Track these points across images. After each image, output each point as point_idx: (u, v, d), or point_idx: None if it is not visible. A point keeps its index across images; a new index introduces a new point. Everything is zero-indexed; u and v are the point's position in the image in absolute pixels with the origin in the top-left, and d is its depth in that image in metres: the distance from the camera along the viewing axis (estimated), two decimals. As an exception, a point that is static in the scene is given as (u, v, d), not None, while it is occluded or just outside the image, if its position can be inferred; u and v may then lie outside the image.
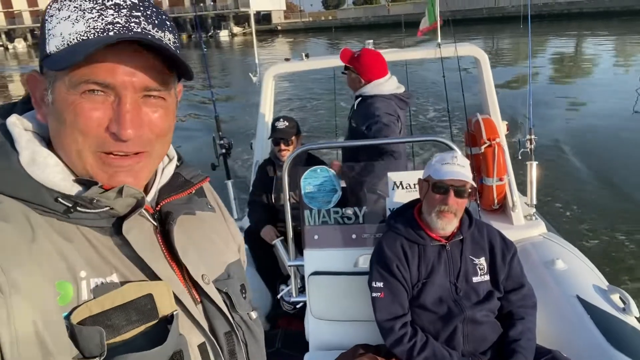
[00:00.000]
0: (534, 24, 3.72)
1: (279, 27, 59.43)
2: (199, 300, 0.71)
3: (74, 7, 0.60)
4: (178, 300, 0.67)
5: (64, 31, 0.59)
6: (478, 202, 3.05)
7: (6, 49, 58.09)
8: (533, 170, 3.11)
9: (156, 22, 0.63)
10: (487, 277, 1.82)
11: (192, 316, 0.69)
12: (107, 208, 0.63)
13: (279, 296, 2.55)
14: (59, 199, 0.61)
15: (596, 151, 6.99)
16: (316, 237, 2.22)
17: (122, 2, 0.61)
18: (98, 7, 0.60)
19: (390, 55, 3.57)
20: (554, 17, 35.99)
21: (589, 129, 8.12)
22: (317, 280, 2.19)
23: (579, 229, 4.75)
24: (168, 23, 0.66)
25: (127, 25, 0.60)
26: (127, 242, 0.64)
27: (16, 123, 0.64)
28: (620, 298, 2.22)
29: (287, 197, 2.24)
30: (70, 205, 0.61)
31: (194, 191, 0.77)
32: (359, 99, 2.68)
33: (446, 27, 3.75)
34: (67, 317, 0.57)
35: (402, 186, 2.16)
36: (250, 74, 3.93)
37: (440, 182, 1.71)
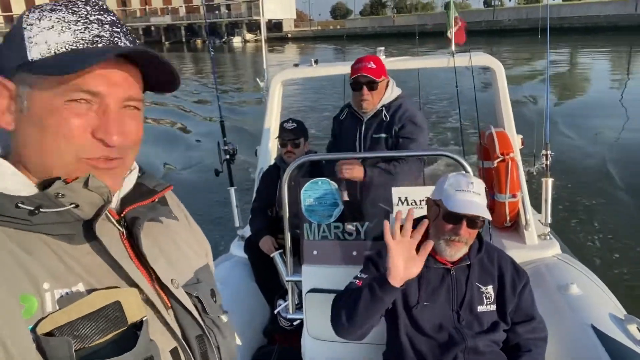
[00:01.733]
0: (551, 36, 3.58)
1: (289, 35, 62.82)
2: (169, 305, 0.72)
3: (57, 18, 0.62)
4: (148, 305, 0.67)
5: (49, 39, 0.61)
6: (490, 218, 2.91)
7: None
8: (549, 187, 2.96)
9: (130, 39, 0.67)
10: (493, 307, 1.69)
11: (163, 321, 0.69)
12: (72, 205, 0.62)
13: (275, 311, 2.45)
14: (19, 204, 0.60)
15: (615, 169, 6.75)
16: (315, 252, 2.12)
17: (103, 18, 0.65)
18: (82, 20, 0.63)
19: (402, 63, 3.48)
20: (568, 31, 35.89)
21: (607, 144, 7.87)
22: (315, 297, 2.08)
23: (595, 251, 4.54)
24: (137, 41, 0.70)
25: (111, 39, 0.64)
26: (92, 250, 0.65)
27: None
28: (638, 329, 2.07)
29: (286, 209, 2.15)
30: (32, 207, 0.60)
31: (157, 199, 0.78)
32: (382, 108, 2.57)
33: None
34: (33, 330, 0.56)
35: (408, 202, 2.05)
36: (257, 79, 3.87)
37: (454, 213, 1.59)
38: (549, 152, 3.08)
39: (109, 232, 0.67)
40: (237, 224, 3.38)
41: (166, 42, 61.85)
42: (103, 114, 0.63)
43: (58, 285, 0.60)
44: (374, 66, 2.47)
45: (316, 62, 3.60)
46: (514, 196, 3.01)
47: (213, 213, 5.70)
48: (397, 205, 2.05)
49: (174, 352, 0.70)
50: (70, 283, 0.61)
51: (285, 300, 2.33)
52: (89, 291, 0.62)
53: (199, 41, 60.12)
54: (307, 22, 75.28)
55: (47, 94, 0.61)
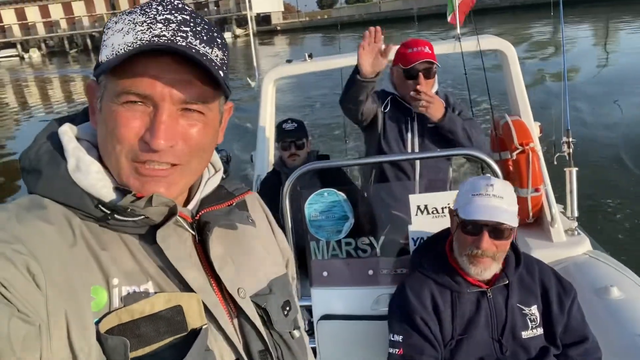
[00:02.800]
0: (567, 10, 3.30)
1: (279, 28, 63.72)
2: (235, 314, 0.70)
3: (128, 20, 0.63)
4: (211, 314, 0.66)
5: (115, 42, 0.62)
6: (514, 225, 2.65)
7: (22, 58, 60.10)
8: (573, 178, 2.71)
9: (204, 38, 0.64)
10: (540, 331, 1.44)
11: (224, 332, 0.67)
12: (143, 217, 0.64)
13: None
14: (99, 206, 0.62)
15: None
16: (325, 273, 1.86)
17: (172, 17, 0.63)
18: (149, 21, 0.62)
19: None
20: (588, 3, 34.66)
21: (631, 124, 7.40)
22: (327, 325, 1.84)
23: (629, 246, 4.18)
24: (218, 40, 0.66)
25: (172, 38, 0.61)
26: (161, 252, 0.65)
27: (67, 131, 0.67)
28: None
29: (289, 223, 1.88)
30: (108, 212, 0.62)
31: (234, 203, 0.76)
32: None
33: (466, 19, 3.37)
34: (97, 324, 0.58)
35: (428, 211, 1.79)
36: (248, 78, 3.61)
37: (471, 222, 1.34)
38: (570, 139, 2.83)
39: (178, 237, 0.67)
40: None
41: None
42: (154, 116, 0.62)
43: (127, 282, 0.62)
44: (429, 51, 2.20)
45: (310, 56, 3.33)
46: (536, 190, 2.75)
47: None
48: (416, 214, 1.79)
49: None
50: (140, 281, 0.63)
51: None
52: (154, 292, 0.63)
53: None
54: (295, 14, 76.57)
55: (110, 96, 0.63)
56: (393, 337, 1.46)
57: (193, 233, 0.69)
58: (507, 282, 1.43)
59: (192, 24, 0.64)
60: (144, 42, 0.60)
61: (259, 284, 0.75)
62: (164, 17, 0.62)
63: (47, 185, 0.63)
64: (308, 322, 1.98)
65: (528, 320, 1.43)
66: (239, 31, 62.60)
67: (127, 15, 0.64)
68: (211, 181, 0.76)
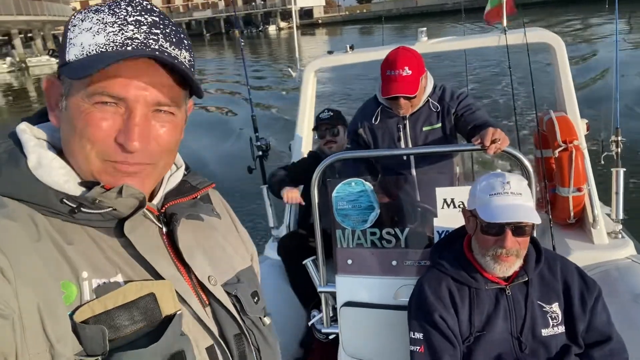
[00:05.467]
0: (622, 5, 3.13)
1: (320, 21, 66.55)
2: (207, 302, 0.71)
3: (97, 19, 0.62)
4: (183, 301, 0.67)
5: (85, 42, 0.61)
6: (550, 215, 2.57)
7: None
8: (620, 178, 2.58)
9: (174, 40, 0.65)
10: (561, 329, 1.41)
11: (199, 318, 0.69)
12: (110, 209, 0.64)
13: (310, 323, 2.26)
14: (64, 200, 0.62)
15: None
16: (350, 261, 1.90)
17: (142, 19, 0.63)
18: (119, 22, 0.62)
19: (448, 44, 3.16)
20: None
21: None
22: (350, 312, 1.88)
23: None
24: (185, 42, 0.68)
25: (145, 41, 0.62)
26: (129, 244, 0.66)
27: (25, 129, 0.67)
28: None
29: (316, 210, 1.93)
30: (74, 205, 0.62)
31: (199, 196, 0.78)
32: (428, 99, 2.29)
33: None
34: (71, 317, 0.58)
35: (455, 204, 1.78)
36: (289, 68, 3.67)
37: (493, 223, 1.33)
38: (619, 138, 2.69)
39: (145, 229, 0.68)
40: (271, 224, 3.21)
41: (207, 34, 66.62)
42: (128, 119, 0.62)
43: (96, 275, 0.62)
44: (409, 72, 2.08)
45: (352, 48, 3.34)
46: (579, 190, 2.64)
47: (250, 210, 5.60)
48: (443, 207, 1.79)
49: (210, 349, 0.69)
50: (109, 273, 0.63)
51: (320, 312, 2.13)
52: (127, 282, 0.63)
53: (237, 32, 64.65)
54: (335, 8, 78.75)
55: (78, 96, 0.62)
56: (413, 334, 1.48)
57: (160, 226, 0.70)
58: (527, 279, 1.41)
59: (161, 27, 0.64)
60: (117, 44, 0.61)
61: (227, 274, 0.77)
62: (134, 18, 0.62)
63: (7, 184, 0.62)
64: (332, 308, 2.03)
65: (549, 318, 1.41)
66: (282, 24, 65.02)
67: (94, 13, 0.62)
68: (174, 177, 0.76)
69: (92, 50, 0.61)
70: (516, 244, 1.35)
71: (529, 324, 1.40)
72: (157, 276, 0.66)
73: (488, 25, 3.71)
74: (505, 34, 2.91)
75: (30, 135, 0.66)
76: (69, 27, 0.64)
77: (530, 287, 1.42)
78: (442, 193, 1.78)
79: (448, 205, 1.78)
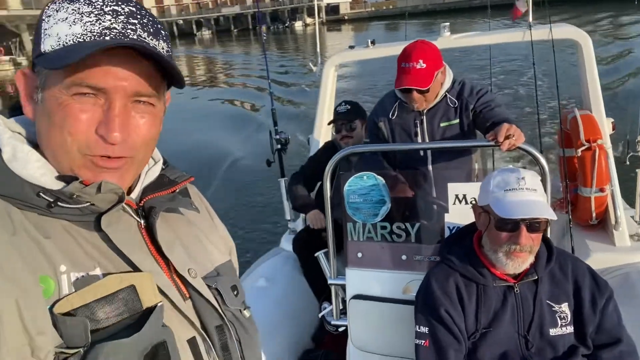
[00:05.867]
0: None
1: (346, 17, 67.36)
2: (187, 295, 0.71)
3: (72, 9, 0.61)
4: (164, 294, 0.67)
5: (61, 32, 0.60)
6: (570, 214, 2.51)
7: None
8: None
9: (151, 30, 0.65)
10: (570, 329, 1.39)
11: (180, 310, 0.68)
12: (88, 204, 0.63)
13: (320, 315, 2.28)
14: (40, 194, 0.61)
15: None
16: (360, 254, 1.91)
17: (119, 9, 0.62)
18: (96, 12, 0.61)
19: (471, 39, 3.12)
20: None
21: None
22: (359, 305, 1.88)
23: None
24: (163, 32, 0.67)
25: (123, 31, 0.62)
26: (108, 237, 0.65)
27: None
28: None
29: (328, 205, 1.95)
30: (51, 200, 0.61)
31: (177, 190, 0.77)
32: (445, 94, 2.26)
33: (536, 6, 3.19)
34: (50, 310, 0.57)
35: (467, 200, 1.76)
36: (310, 62, 3.68)
37: (508, 220, 1.31)
38: None
39: (126, 221, 0.68)
40: (287, 217, 3.24)
41: (235, 30, 68.50)
42: (108, 110, 0.62)
43: (74, 269, 0.61)
44: (423, 65, 2.06)
45: (373, 42, 3.33)
46: (601, 190, 2.57)
47: (266, 203, 5.66)
48: (455, 203, 1.77)
49: (191, 341, 0.69)
50: (87, 267, 0.62)
51: (331, 304, 2.15)
52: (105, 275, 0.63)
53: (264, 27, 64.70)
54: (362, 4, 78.57)
55: (55, 88, 0.61)
56: (419, 328, 1.48)
57: (138, 219, 0.70)
58: (537, 277, 1.39)
59: (138, 17, 0.63)
60: (94, 34, 0.60)
61: (206, 268, 0.77)
62: (111, 8, 0.61)
63: None
64: (342, 301, 2.05)
65: (557, 318, 1.38)
66: (309, 20, 65.90)
67: (69, 3, 0.61)
68: (152, 171, 0.76)
69: (69, 41, 0.60)
70: (530, 240, 1.33)
71: (536, 323, 1.38)
72: (136, 270, 0.66)
73: (514, 20, 3.63)
74: (530, 29, 2.85)
75: (4, 128, 0.65)
76: (43, 17, 0.62)
77: (539, 286, 1.40)
78: (454, 188, 1.77)
79: (460, 201, 1.76)
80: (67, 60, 0.57)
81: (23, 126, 0.67)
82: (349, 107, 2.72)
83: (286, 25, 65.89)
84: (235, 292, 0.79)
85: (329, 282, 2.04)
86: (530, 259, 1.37)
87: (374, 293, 1.86)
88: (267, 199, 5.52)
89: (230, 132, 9.78)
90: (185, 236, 0.76)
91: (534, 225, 1.32)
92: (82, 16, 0.60)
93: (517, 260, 1.34)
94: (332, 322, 2.08)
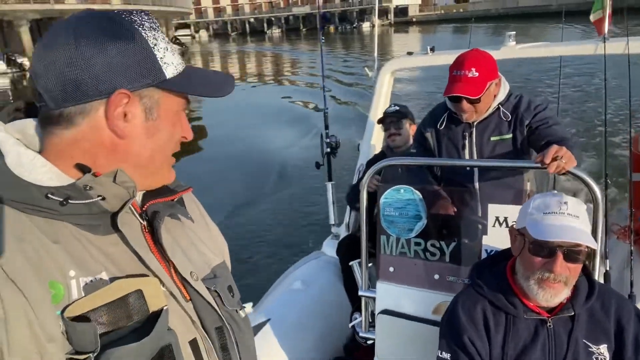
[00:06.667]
0: None
1: (414, 19, 67.81)
2: (188, 298, 0.74)
3: (162, 38, 0.70)
4: (168, 296, 0.70)
5: (173, 61, 0.70)
6: (632, 244, 2.30)
7: (193, 37, 70.15)
8: None
9: None
10: None
11: (183, 312, 0.71)
12: (99, 198, 0.65)
13: (350, 325, 2.27)
14: (50, 195, 0.62)
15: None
16: (392, 269, 1.87)
17: (165, 37, 0.73)
18: (167, 39, 0.72)
19: (539, 50, 2.95)
20: None
21: None
22: (387, 320, 1.85)
23: None
24: None
25: (182, 61, 0.74)
26: (116, 241, 0.68)
27: (0, 128, 0.67)
28: None
29: (364, 215, 1.93)
30: (62, 199, 0.62)
31: (176, 199, 0.80)
32: (499, 106, 2.15)
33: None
34: (60, 315, 0.59)
35: (507, 223, 1.67)
36: (365, 67, 3.65)
37: (543, 242, 1.23)
38: None
39: (131, 224, 0.70)
40: (331, 221, 3.24)
41: (303, 29, 70.96)
42: (185, 120, 0.76)
43: (83, 273, 0.63)
44: (475, 74, 1.97)
45: (432, 49, 3.25)
46: (673, 220, 2.34)
47: (312, 205, 5.70)
48: (494, 226, 1.69)
49: (193, 342, 0.72)
50: (95, 271, 0.64)
51: (362, 315, 2.13)
52: (112, 279, 0.65)
53: (332, 27, 69.77)
54: (431, 7, 78.02)
55: (173, 105, 0.72)
56: (441, 354, 1.42)
57: (143, 222, 0.72)
58: (573, 313, 1.29)
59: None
60: (183, 65, 0.73)
61: (204, 270, 0.80)
62: (165, 37, 0.73)
63: None
64: (371, 313, 2.02)
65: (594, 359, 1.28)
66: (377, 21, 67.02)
67: (154, 31, 0.70)
68: None
69: (179, 68, 0.72)
70: (566, 269, 1.24)
71: (569, 363, 1.28)
72: (142, 272, 0.68)
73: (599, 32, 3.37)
74: (605, 42, 2.65)
75: (7, 135, 0.66)
76: (155, 41, 0.69)
77: (576, 323, 1.30)
78: (495, 210, 1.68)
79: (500, 224, 1.68)
80: (219, 94, 0.73)
81: (21, 132, 0.69)
82: (398, 107, 2.76)
83: (354, 25, 66.76)
84: (231, 293, 0.83)
85: (360, 293, 2.02)
86: (566, 292, 1.27)
87: (403, 310, 1.82)
88: (314, 201, 5.57)
89: (290, 130, 9.96)
90: (183, 242, 0.79)
91: (572, 253, 1.22)
92: (167, 45, 0.71)
93: (549, 290, 1.25)
94: (361, 334, 2.06)
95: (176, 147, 0.75)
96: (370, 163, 2.74)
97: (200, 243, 0.84)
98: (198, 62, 34.53)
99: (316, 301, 2.58)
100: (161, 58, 0.69)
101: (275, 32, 72.29)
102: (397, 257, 1.85)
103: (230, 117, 12.42)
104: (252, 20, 79.44)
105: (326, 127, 3.44)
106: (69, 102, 0.65)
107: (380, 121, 2.79)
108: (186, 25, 72.26)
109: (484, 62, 2.05)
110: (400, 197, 1.83)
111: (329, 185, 3.30)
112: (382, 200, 1.86)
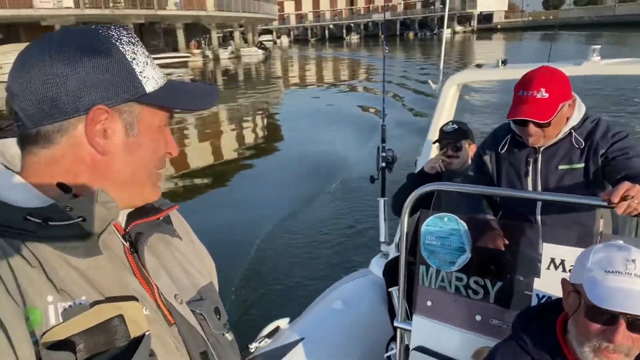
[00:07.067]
0: None
1: (499, 26, 65.47)
2: (172, 322, 0.72)
3: (141, 52, 0.70)
4: (151, 321, 0.67)
5: (153, 75, 0.70)
6: None
7: (274, 42, 72.77)
8: None
9: None
10: None
11: (166, 337, 0.69)
12: (80, 219, 0.62)
13: (385, 355, 2.13)
14: (29, 216, 0.60)
15: None
16: (429, 303, 1.72)
17: (146, 52, 0.72)
18: (147, 53, 0.72)
19: (628, 67, 2.61)
20: None
21: None
22: (421, 359, 1.70)
23: None
24: None
25: (162, 75, 0.73)
26: (97, 263, 0.65)
27: None
28: None
29: (404, 241, 1.79)
30: (41, 220, 0.60)
31: (161, 218, 0.79)
32: (571, 131, 1.91)
33: None
34: (36, 343, 0.57)
35: (564, 268, 1.46)
36: (430, 80, 3.47)
37: (602, 310, 1.04)
38: None
39: (114, 246, 0.69)
40: (382, 239, 3.11)
41: (382, 36, 69.40)
42: (166, 134, 0.74)
43: (62, 298, 0.60)
44: (545, 95, 1.76)
45: (504, 62, 3.01)
46: None
47: (364, 221, 5.54)
48: (549, 268, 1.48)
49: None
50: (75, 296, 0.62)
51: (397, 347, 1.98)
52: (93, 304, 0.62)
53: (410, 34, 69.97)
54: (517, 14, 74.86)
55: (156, 121, 0.71)
56: None
57: (126, 244, 0.71)
58: None
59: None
60: (164, 79, 0.73)
61: (190, 292, 0.77)
62: (146, 51, 0.72)
63: None
64: (406, 347, 1.87)
65: None
66: (458, 28, 66.24)
67: (133, 45, 0.69)
68: None
69: (160, 82, 0.71)
70: (629, 340, 1.04)
71: None
72: (123, 296, 0.65)
73: None
74: None
75: None
76: (133, 55, 0.68)
77: None
78: (551, 250, 1.47)
79: (556, 267, 1.47)
80: (202, 107, 0.73)
81: (0, 152, 0.68)
82: (456, 126, 2.55)
83: (434, 32, 65.91)
84: (218, 316, 0.80)
85: (395, 323, 1.88)
86: None
87: (439, 349, 1.67)
88: (369, 214, 5.42)
89: (357, 138, 9.87)
90: (169, 262, 0.77)
91: (637, 323, 1.02)
92: (147, 59, 0.70)
93: None
94: (394, 368, 1.92)
95: (161, 163, 0.74)
96: (415, 179, 2.58)
97: (187, 263, 0.82)
98: (277, 66, 35.97)
99: (355, 323, 2.47)
100: (140, 72, 0.68)
101: (354, 38, 72.76)
102: (436, 290, 1.70)
103: (304, 122, 12.64)
104: (331, 26, 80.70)
105: (383, 141, 3.31)
106: (46, 121, 0.64)
107: (436, 141, 2.61)
108: (269, 31, 75.07)
109: (556, 81, 1.83)
110: (444, 225, 1.68)
111: (381, 201, 3.17)
112: (423, 227, 1.72)
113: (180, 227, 0.87)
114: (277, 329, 2.37)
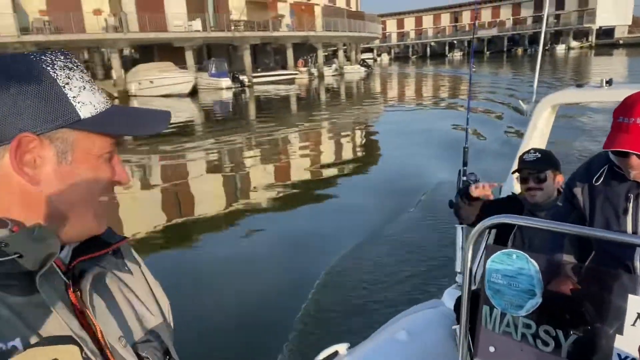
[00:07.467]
0: None
1: (621, 41, 61.23)
2: None
3: (79, 76, 0.67)
4: None
5: (91, 100, 0.67)
6: None
7: (375, 60, 74.16)
8: None
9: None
10: None
11: None
12: (16, 255, 0.59)
13: (445, 398, 1.96)
14: None
15: None
16: (492, 349, 1.55)
17: (88, 77, 0.70)
18: (87, 78, 0.69)
19: None
20: None
21: None
22: (479, 408, 1.54)
23: None
24: None
25: (105, 100, 0.70)
26: (34, 302, 0.61)
27: None
28: None
29: (467, 276, 1.65)
30: None
31: (110, 252, 0.75)
32: None
33: None
34: None
35: (656, 326, 1.22)
36: (520, 101, 3.21)
37: None
38: None
39: (53, 284, 0.64)
40: (457, 269, 2.91)
41: (487, 52, 67.42)
42: (117, 164, 0.72)
43: None
44: None
45: (609, 82, 2.70)
46: None
47: (441, 248, 5.22)
48: (634, 324, 1.25)
49: None
50: (6, 338, 0.58)
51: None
52: (26, 347, 0.58)
53: (519, 50, 66.99)
54: None
55: (94, 149, 0.68)
56: None
57: (68, 282, 0.66)
58: None
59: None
60: (106, 104, 0.69)
61: (137, 333, 0.73)
62: (87, 77, 0.69)
63: None
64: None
65: None
66: (573, 43, 63.13)
67: (68, 70, 0.66)
68: None
69: (101, 108, 0.68)
70: None
71: None
72: (61, 338, 0.62)
73: None
74: None
75: None
76: (61, 84, 0.65)
77: None
78: (636, 304, 1.25)
79: (644, 324, 1.24)
80: (147, 131, 0.70)
81: None
82: (539, 154, 2.32)
83: (546, 48, 62.60)
84: (167, 357, 0.77)
85: (454, 365, 1.73)
86: None
87: (500, 402, 1.49)
88: (446, 242, 5.10)
89: (448, 159, 9.49)
90: (116, 301, 0.74)
91: None
92: (85, 84, 0.68)
93: None
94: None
95: (104, 193, 0.69)
96: (490, 207, 2.37)
97: (137, 301, 0.78)
98: (377, 82, 36.36)
99: (417, 358, 2.32)
100: (74, 97, 0.65)
101: (457, 55, 70.62)
102: (501, 335, 1.52)
103: (403, 140, 12.56)
104: (433, 43, 79.26)
105: (464, 164, 3.13)
106: None
107: (516, 170, 2.39)
108: (369, 49, 76.03)
109: None
110: (512, 263, 1.51)
111: (459, 228, 2.97)
112: (489, 263, 1.57)
113: (131, 262, 0.82)
114: (335, 353, 2.32)
